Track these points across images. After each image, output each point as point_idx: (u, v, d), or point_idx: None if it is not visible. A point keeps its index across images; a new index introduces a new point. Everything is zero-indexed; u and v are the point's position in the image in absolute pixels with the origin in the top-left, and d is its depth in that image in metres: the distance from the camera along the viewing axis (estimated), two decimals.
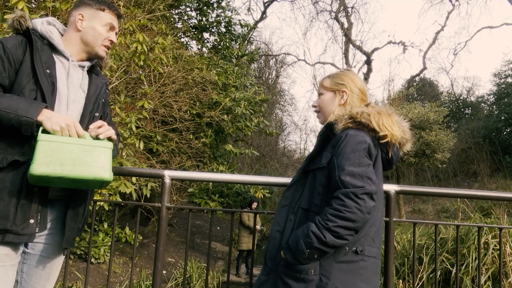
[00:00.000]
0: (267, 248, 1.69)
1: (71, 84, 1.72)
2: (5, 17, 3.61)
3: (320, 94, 1.83)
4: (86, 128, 1.72)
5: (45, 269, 1.71)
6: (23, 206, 1.53)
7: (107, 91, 1.91)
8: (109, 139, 1.69)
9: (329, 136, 1.66)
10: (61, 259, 1.79)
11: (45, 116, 1.51)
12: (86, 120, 1.74)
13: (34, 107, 1.49)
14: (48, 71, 1.61)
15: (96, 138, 1.64)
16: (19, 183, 1.52)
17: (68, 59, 1.72)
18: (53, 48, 1.70)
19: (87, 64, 1.80)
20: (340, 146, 1.56)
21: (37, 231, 1.59)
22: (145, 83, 6.04)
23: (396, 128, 1.65)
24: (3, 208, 1.50)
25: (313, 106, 1.86)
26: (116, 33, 1.85)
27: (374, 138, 1.62)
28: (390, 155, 1.68)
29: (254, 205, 9.21)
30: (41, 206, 1.60)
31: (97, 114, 1.79)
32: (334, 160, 1.55)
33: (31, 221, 1.56)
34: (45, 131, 1.52)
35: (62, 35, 1.78)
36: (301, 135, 40.45)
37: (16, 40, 1.60)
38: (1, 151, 1.52)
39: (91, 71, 1.84)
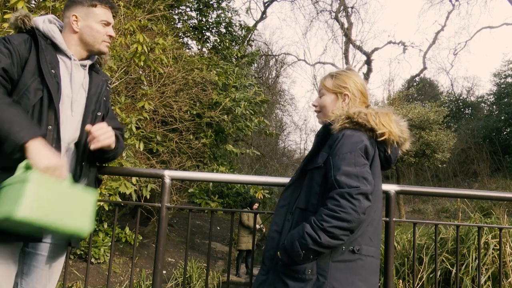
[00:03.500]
0: (265, 248, 1.69)
1: (74, 84, 1.71)
2: (5, 16, 3.62)
3: (321, 95, 1.82)
4: (89, 125, 1.70)
5: (46, 269, 1.69)
6: None
7: (108, 88, 1.89)
8: (106, 148, 1.66)
9: (326, 136, 1.67)
10: (62, 258, 1.78)
11: (34, 147, 1.41)
12: (88, 119, 1.72)
13: (29, 131, 1.41)
14: (53, 71, 1.60)
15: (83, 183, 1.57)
16: None
17: (70, 59, 1.71)
18: (56, 48, 1.69)
19: (88, 62, 1.79)
20: (337, 146, 1.56)
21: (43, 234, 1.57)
22: (145, 83, 6.05)
23: (394, 126, 1.65)
24: None
25: (314, 105, 1.85)
26: (112, 26, 1.82)
27: (372, 138, 1.62)
28: (388, 153, 1.68)
29: (255, 205, 9.20)
30: None
31: (99, 114, 1.78)
32: (330, 159, 1.56)
33: None
34: (30, 168, 1.41)
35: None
36: (301, 135, 40.42)
37: (22, 38, 1.60)
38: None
39: (91, 69, 1.82)
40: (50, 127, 1.56)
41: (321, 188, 1.58)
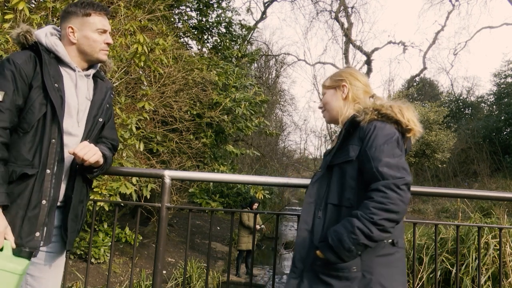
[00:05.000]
0: (295, 249, 1.64)
1: (80, 95, 1.73)
2: (6, 17, 3.61)
3: (323, 94, 1.85)
4: (88, 133, 1.73)
5: (52, 278, 1.70)
6: (30, 219, 1.53)
7: (112, 95, 1.91)
8: (93, 165, 1.68)
9: (350, 129, 1.63)
10: (62, 263, 1.79)
11: None
12: (89, 124, 1.75)
13: None
14: (56, 85, 1.62)
15: (18, 255, 1.48)
16: (27, 196, 1.53)
17: (74, 70, 1.73)
18: (59, 61, 1.70)
19: (92, 72, 1.80)
20: (371, 138, 1.53)
21: (41, 244, 1.58)
22: (145, 84, 6.05)
23: (416, 121, 1.63)
24: (9, 220, 1.49)
25: (319, 108, 1.87)
26: (110, 32, 1.81)
27: (398, 130, 1.60)
28: (406, 147, 1.67)
29: (255, 205, 9.19)
30: (48, 219, 1.59)
31: (100, 120, 1.80)
32: (365, 152, 1.52)
33: (37, 234, 1.55)
34: None
35: None
36: (301, 135, 40.52)
37: (25, 55, 1.61)
38: (11, 163, 1.53)
39: (96, 76, 1.84)
40: (53, 140, 1.59)
41: (356, 182, 1.55)
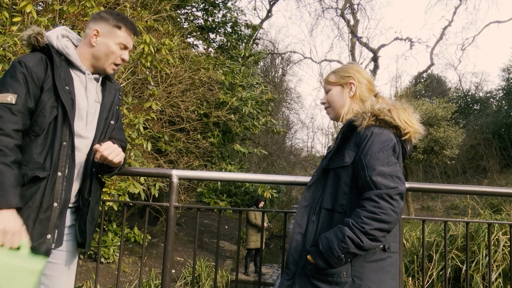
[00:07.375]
0: (289, 251, 1.64)
1: (89, 98, 1.74)
2: (14, 20, 3.65)
3: (327, 91, 1.79)
4: (101, 136, 1.73)
5: (64, 277, 1.71)
6: (41, 222, 1.54)
7: (120, 96, 1.92)
8: (112, 165, 1.70)
9: (348, 134, 1.62)
10: (75, 264, 1.81)
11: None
12: (101, 126, 1.76)
13: (2, 200, 1.40)
14: (67, 87, 1.63)
15: (33, 251, 1.49)
16: (39, 199, 1.54)
17: (84, 73, 1.74)
18: (69, 63, 1.71)
19: (101, 75, 1.82)
20: (366, 145, 1.51)
21: (53, 247, 1.59)
22: (152, 84, 6.07)
23: (415, 122, 1.62)
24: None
25: (322, 103, 1.83)
26: (130, 50, 1.82)
27: (396, 135, 1.59)
28: (406, 149, 1.65)
29: (261, 204, 9.20)
30: (59, 221, 1.60)
31: (112, 122, 1.81)
32: (361, 159, 1.51)
33: (48, 236, 1.56)
34: None
35: (75, 45, 1.79)
36: (308, 133, 40.42)
37: (36, 57, 1.61)
38: (23, 166, 1.53)
39: (105, 78, 1.85)
40: (64, 143, 1.59)
41: (349, 188, 1.54)
